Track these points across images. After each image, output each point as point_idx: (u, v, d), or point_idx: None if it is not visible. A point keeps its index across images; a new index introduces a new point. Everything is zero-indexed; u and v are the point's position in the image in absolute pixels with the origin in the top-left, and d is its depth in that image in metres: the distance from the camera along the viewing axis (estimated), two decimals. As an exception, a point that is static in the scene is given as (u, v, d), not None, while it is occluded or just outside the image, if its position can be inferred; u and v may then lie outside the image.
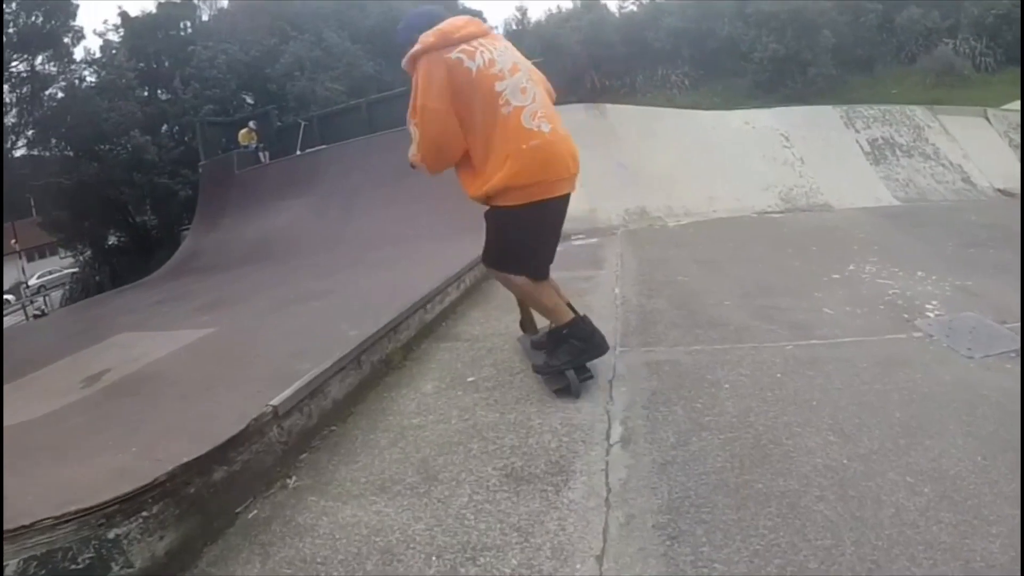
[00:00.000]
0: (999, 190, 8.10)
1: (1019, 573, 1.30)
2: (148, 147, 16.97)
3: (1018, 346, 2.45)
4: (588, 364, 2.51)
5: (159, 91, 21.45)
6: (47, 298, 19.59)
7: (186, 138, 18.71)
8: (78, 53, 18.62)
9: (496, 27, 16.16)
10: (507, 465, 1.97)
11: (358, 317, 3.33)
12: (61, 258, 24.61)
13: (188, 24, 23.58)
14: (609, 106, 9.40)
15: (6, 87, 14.83)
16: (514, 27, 29.10)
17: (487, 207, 2.38)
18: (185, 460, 1.76)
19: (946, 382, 2.23)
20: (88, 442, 2.30)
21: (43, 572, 1.44)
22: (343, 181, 9.67)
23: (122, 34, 21.84)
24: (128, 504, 1.59)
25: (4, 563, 1.40)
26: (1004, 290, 3.22)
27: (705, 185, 7.88)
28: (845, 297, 3.43)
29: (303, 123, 13.64)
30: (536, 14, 44.22)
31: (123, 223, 18.85)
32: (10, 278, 19.76)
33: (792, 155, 8.47)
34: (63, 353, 4.47)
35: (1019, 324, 2.65)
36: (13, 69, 15.58)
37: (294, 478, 2.06)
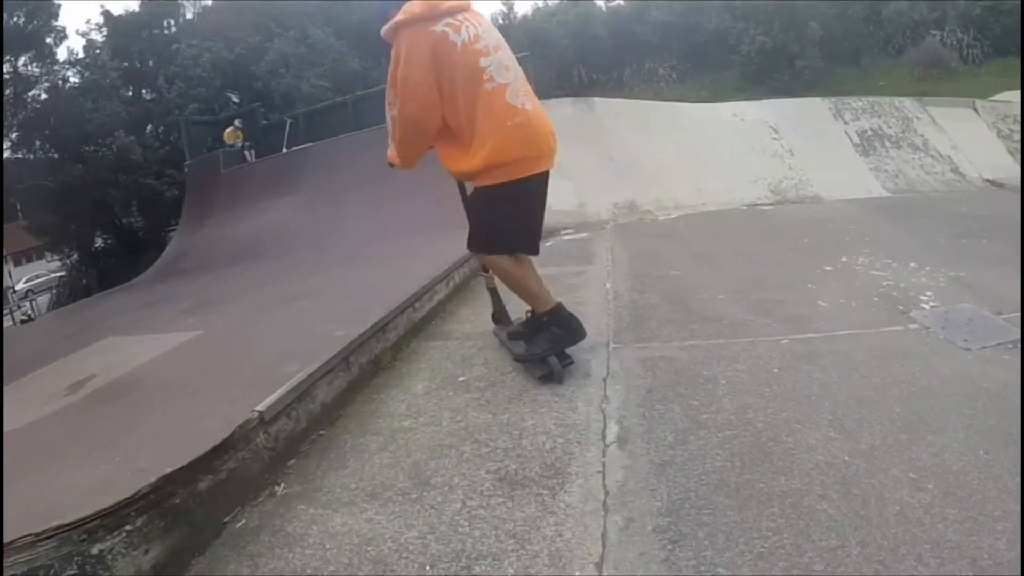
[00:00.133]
0: (988, 180, 8.13)
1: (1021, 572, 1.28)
2: (133, 147, 16.83)
3: (1016, 337, 2.43)
4: (568, 350, 2.55)
5: (143, 90, 21.31)
6: (34, 303, 19.38)
7: (171, 138, 18.50)
8: (61, 53, 18.49)
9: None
10: (501, 468, 1.92)
11: (346, 317, 3.27)
12: (48, 262, 24.32)
13: (172, 22, 23.41)
14: (597, 100, 9.33)
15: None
16: (501, 21, 28.93)
17: (469, 193, 2.41)
18: (168, 471, 1.70)
19: (945, 375, 2.21)
20: (71, 452, 2.23)
21: (23, 591, 1.39)
22: (330, 178, 9.53)
23: (105, 33, 21.66)
24: (111, 518, 1.54)
25: None
26: (998, 281, 3.21)
27: (695, 178, 7.85)
28: (839, 290, 3.40)
29: (289, 121, 13.50)
30: (523, 8, 44.24)
31: (110, 225, 18.65)
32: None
33: (781, 147, 8.46)
34: (48, 359, 4.38)
35: (1018, 315, 2.63)
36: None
37: (282, 485, 2.01)
